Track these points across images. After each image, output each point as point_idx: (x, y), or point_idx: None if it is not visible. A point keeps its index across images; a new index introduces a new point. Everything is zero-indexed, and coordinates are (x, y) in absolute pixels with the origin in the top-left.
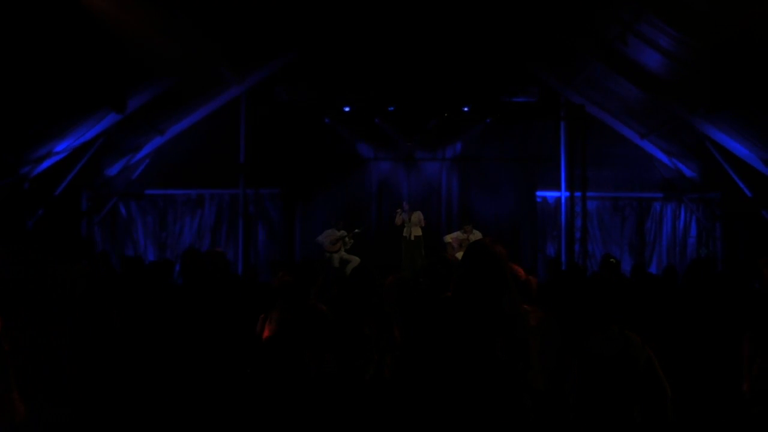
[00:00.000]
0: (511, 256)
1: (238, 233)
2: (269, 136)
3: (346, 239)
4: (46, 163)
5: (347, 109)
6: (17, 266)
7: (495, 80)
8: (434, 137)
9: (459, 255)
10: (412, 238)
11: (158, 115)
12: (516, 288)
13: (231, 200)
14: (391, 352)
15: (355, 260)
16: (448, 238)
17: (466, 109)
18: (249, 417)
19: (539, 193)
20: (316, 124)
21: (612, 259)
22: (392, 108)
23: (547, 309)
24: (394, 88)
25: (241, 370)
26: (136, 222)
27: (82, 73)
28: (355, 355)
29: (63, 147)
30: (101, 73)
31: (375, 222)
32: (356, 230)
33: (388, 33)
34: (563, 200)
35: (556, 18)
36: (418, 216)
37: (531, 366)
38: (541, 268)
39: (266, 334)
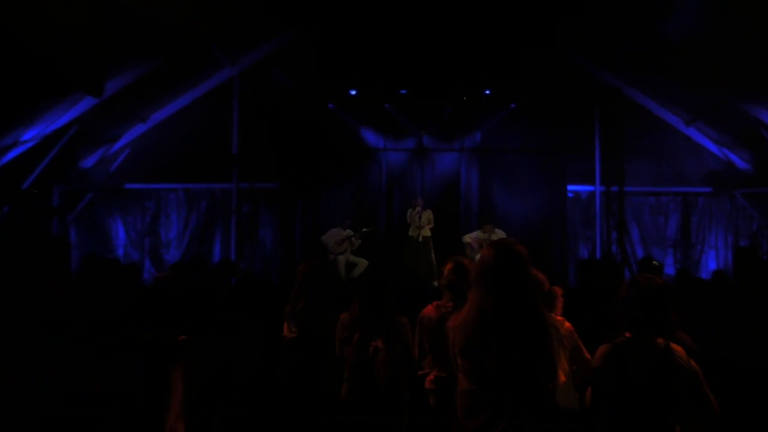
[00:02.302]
0: (539, 260)
1: (231, 233)
2: (266, 125)
3: (353, 239)
4: (12, 154)
5: (353, 92)
6: None
7: (520, 60)
8: (451, 125)
9: (477, 257)
10: (420, 239)
11: (140, 100)
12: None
13: (223, 196)
14: (408, 370)
15: (363, 263)
16: (466, 239)
17: (487, 92)
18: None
19: (570, 188)
20: (319, 111)
21: (654, 262)
22: (404, 91)
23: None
24: (405, 69)
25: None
26: (115, 220)
27: (53, 51)
28: (366, 370)
29: (31, 135)
30: (74, 50)
31: (385, 220)
32: (364, 229)
33: (399, 7)
34: (598, 196)
35: None
36: (428, 216)
37: (561, 384)
38: (572, 272)
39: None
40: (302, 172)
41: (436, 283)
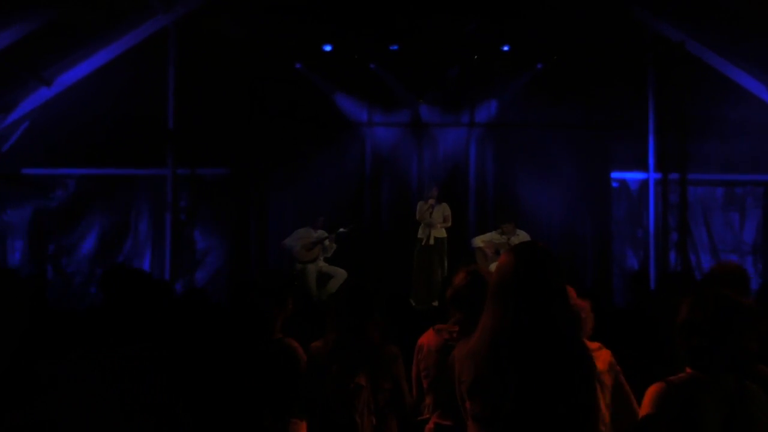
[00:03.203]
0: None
1: (165, 234)
2: (212, 91)
3: (327, 243)
4: None
5: (328, 48)
6: None
7: (549, 5)
8: (458, 92)
9: (494, 267)
10: (432, 241)
11: (41, 57)
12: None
13: (154, 185)
14: (400, 415)
15: (340, 274)
16: (478, 242)
17: (505, 48)
18: None
19: (615, 176)
20: (283, 73)
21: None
22: (395, 47)
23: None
24: (397, 17)
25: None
26: (7, 215)
27: None
28: (341, 416)
29: None
30: None
31: (370, 217)
32: (341, 229)
33: None
34: (651, 186)
35: None
36: (443, 211)
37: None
38: (617, 286)
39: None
40: (260, 154)
41: (435, 303)
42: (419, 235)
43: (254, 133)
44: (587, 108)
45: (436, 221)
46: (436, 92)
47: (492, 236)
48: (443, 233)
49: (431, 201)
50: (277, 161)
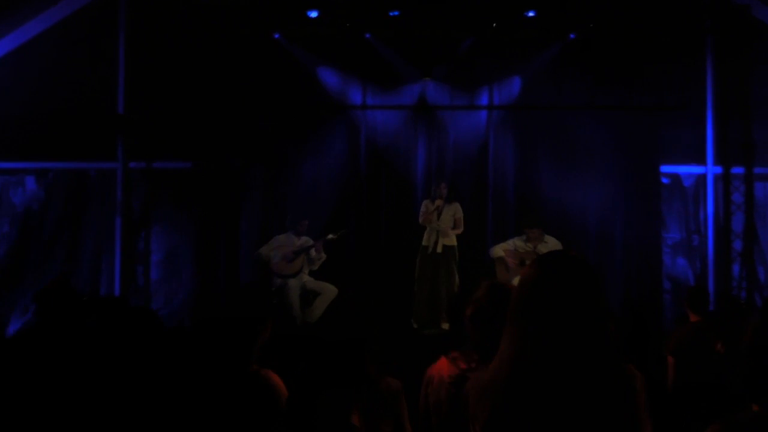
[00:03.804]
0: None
1: (115, 242)
2: (171, 68)
3: (313, 253)
4: None
5: (314, 14)
6: None
7: None
8: (473, 68)
9: (516, 279)
10: (439, 249)
11: None
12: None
13: (100, 182)
14: None
15: (329, 291)
16: (498, 251)
17: (530, 14)
18: None
19: (666, 169)
20: (259, 45)
21: None
22: (396, 12)
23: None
24: None
25: None
26: None
27: None
28: None
29: None
30: None
31: (365, 221)
32: (330, 236)
33: None
34: (710, 182)
35: None
36: (454, 212)
37: None
38: (668, 303)
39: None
40: (230, 145)
41: (446, 325)
42: (424, 242)
43: (223, 119)
44: (631, 87)
45: (445, 225)
46: (445, 68)
47: (515, 244)
48: (453, 240)
49: (439, 201)
50: (252, 153)
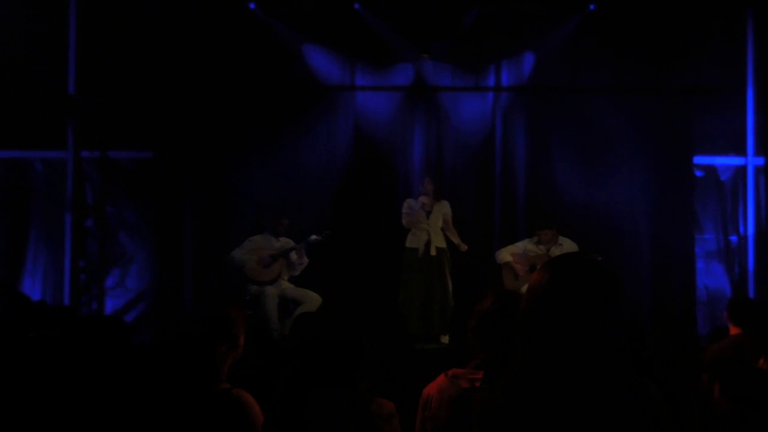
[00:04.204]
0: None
1: (65, 242)
2: (132, 44)
3: (294, 256)
4: None
5: None
6: None
7: None
8: (478, 44)
9: (526, 287)
10: (433, 251)
11: None
12: None
13: (46, 173)
14: None
15: (312, 300)
16: (506, 256)
17: None
18: None
19: (700, 161)
20: (231, 16)
21: None
22: None
23: None
24: None
25: None
26: None
27: None
28: None
29: None
30: None
31: (354, 219)
32: (313, 237)
33: None
34: (751, 174)
35: None
36: (443, 211)
37: None
38: (703, 312)
39: None
40: (198, 132)
41: (446, 339)
42: (409, 244)
43: (190, 102)
44: (660, 66)
45: (433, 226)
46: (446, 44)
47: (525, 247)
48: (443, 242)
49: (425, 198)
50: (223, 141)
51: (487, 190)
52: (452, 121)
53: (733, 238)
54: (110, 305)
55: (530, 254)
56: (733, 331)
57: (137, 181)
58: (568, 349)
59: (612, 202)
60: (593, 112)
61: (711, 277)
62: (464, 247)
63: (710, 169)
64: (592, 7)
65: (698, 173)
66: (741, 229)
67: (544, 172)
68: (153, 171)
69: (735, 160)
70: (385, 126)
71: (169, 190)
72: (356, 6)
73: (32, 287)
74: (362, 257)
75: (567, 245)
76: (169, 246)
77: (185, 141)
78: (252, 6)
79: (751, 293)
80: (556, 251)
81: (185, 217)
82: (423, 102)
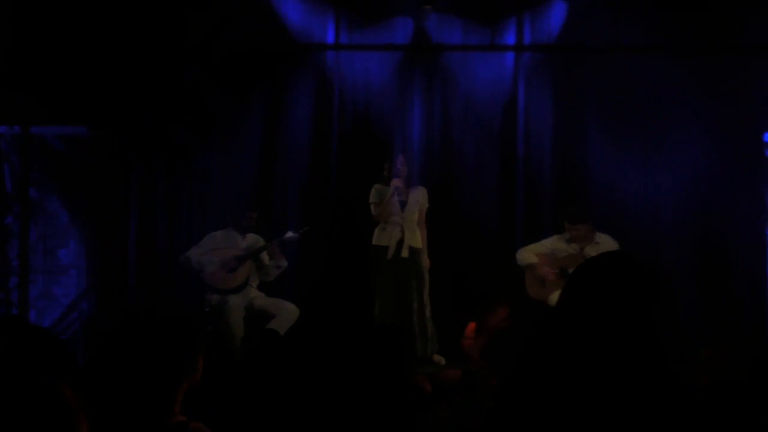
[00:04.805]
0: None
1: None
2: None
3: (265, 258)
4: None
5: None
6: None
7: None
8: None
9: (555, 297)
10: (405, 252)
11: None
12: None
13: None
14: None
15: (286, 312)
16: (529, 256)
17: None
18: None
19: None
20: None
21: None
22: None
23: None
24: None
25: None
26: None
27: None
28: None
29: None
30: None
31: (339, 212)
32: (289, 234)
33: None
34: None
35: None
36: (419, 199)
37: None
38: None
39: None
40: (144, 103)
41: (440, 359)
42: (376, 242)
43: (132, 66)
44: (720, 20)
45: (407, 219)
46: None
47: (553, 245)
48: (419, 241)
49: (397, 181)
50: (174, 114)
51: (505, 175)
52: (462, 89)
53: None
54: (35, 314)
55: (560, 254)
56: None
57: (68, 161)
58: (606, 367)
59: (660, 189)
60: (637, 77)
61: None
62: (427, 262)
63: None
64: None
65: None
66: None
67: (577, 153)
68: (87, 149)
69: None
70: (377, 95)
71: (105, 173)
72: None
73: None
74: (348, 258)
75: (605, 243)
76: (105, 241)
77: (127, 114)
78: None
79: None
80: (591, 250)
81: (129, 208)
82: (425, 65)
